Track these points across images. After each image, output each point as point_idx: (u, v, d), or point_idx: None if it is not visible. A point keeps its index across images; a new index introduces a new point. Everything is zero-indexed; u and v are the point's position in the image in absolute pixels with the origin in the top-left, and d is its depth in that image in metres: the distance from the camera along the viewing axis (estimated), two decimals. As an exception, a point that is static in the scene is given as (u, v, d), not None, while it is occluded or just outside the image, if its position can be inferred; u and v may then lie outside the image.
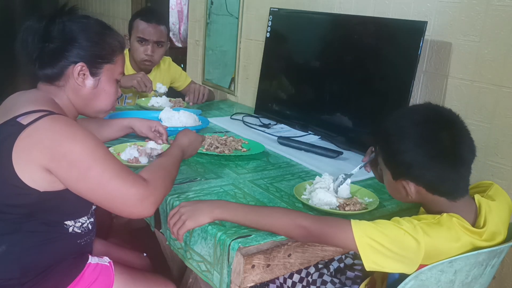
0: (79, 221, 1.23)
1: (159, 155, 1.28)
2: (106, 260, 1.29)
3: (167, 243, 1.27)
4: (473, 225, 1.07)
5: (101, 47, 1.23)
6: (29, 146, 1.07)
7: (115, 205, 1.11)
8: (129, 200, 1.09)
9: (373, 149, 1.29)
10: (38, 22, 1.19)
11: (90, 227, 1.27)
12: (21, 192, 1.09)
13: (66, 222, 1.20)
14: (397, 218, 1.05)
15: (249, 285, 1.05)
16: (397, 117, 1.15)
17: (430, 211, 1.12)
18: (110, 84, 1.28)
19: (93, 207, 1.27)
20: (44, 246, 1.17)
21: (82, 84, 1.23)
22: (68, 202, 1.15)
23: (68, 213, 1.20)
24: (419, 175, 1.07)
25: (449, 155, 1.05)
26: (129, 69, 2.44)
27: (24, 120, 1.09)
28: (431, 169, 1.06)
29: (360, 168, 1.34)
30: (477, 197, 1.12)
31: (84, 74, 1.22)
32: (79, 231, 1.23)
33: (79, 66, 1.20)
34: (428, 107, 1.15)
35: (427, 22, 1.62)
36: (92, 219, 1.28)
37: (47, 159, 1.06)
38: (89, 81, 1.24)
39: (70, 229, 1.21)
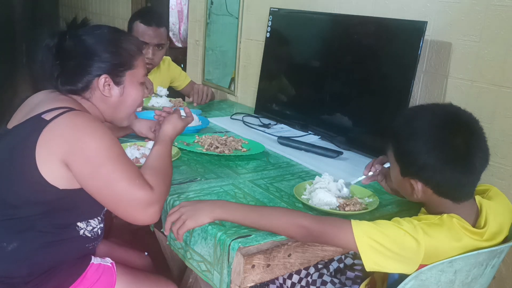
0: (90, 225, 1.24)
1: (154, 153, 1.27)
2: (108, 261, 1.30)
3: (167, 243, 1.27)
4: (474, 225, 1.07)
5: (120, 56, 1.24)
6: (51, 140, 1.09)
7: (120, 208, 1.12)
8: (134, 205, 1.10)
9: (373, 165, 1.29)
10: (53, 40, 1.19)
11: (99, 233, 1.28)
12: (42, 189, 1.10)
13: (78, 224, 1.21)
14: (398, 218, 1.05)
15: (249, 285, 1.05)
16: (414, 115, 1.12)
17: (431, 211, 1.12)
18: (135, 89, 1.29)
19: (105, 209, 1.28)
20: (53, 247, 1.17)
21: (108, 94, 1.24)
22: (82, 202, 1.16)
23: (82, 213, 1.21)
24: (428, 177, 1.07)
25: (462, 162, 1.04)
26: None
27: (47, 116, 1.12)
28: (441, 173, 1.05)
29: (360, 179, 1.34)
30: (478, 198, 1.12)
31: (109, 85, 1.23)
32: (89, 235, 1.24)
33: (103, 78, 1.22)
34: (448, 110, 1.11)
35: (427, 22, 1.62)
36: (102, 225, 1.29)
37: (66, 152, 1.08)
38: (115, 90, 1.25)
39: (81, 232, 1.22)
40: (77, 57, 1.20)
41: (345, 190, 1.35)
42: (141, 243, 1.70)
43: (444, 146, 1.04)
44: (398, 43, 1.73)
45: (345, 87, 1.94)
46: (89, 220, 1.23)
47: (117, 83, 1.25)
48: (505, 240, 1.11)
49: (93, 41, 1.21)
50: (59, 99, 1.19)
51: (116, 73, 1.24)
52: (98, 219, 1.26)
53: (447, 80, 1.68)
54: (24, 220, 1.13)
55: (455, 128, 1.05)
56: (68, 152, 1.08)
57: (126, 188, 1.09)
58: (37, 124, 1.12)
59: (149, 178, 1.14)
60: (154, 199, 1.10)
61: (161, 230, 1.29)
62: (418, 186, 1.09)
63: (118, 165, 1.10)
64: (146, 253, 1.60)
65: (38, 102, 1.20)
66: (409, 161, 1.09)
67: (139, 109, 1.51)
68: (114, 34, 1.27)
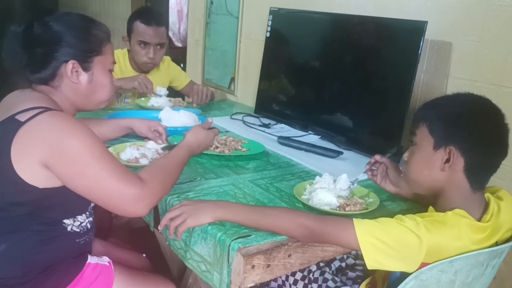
0: (77, 220, 1.23)
1: (165, 155, 1.28)
2: (105, 260, 1.30)
3: (167, 243, 1.27)
4: (480, 220, 1.08)
5: (88, 41, 1.24)
6: (29, 142, 1.08)
7: (110, 204, 1.11)
8: (124, 199, 1.09)
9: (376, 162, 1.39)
10: (20, 27, 1.18)
11: (89, 227, 1.27)
12: (21, 189, 1.09)
13: (64, 221, 1.20)
14: (400, 215, 1.05)
15: (249, 285, 1.05)
16: (451, 96, 1.18)
17: (443, 204, 1.12)
18: (104, 75, 1.29)
19: (92, 204, 1.27)
20: (44, 246, 1.17)
21: (77, 81, 1.23)
22: (66, 199, 1.15)
23: (66, 210, 1.20)
24: (470, 142, 1.08)
25: (499, 143, 1.10)
26: (129, 70, 2.43)
27: (22, 117, 1.10)
28: (480, 146, 1.08)
29: (364, 172, 1.40)
30: (487, 194, 1.13)
31: (77, 71, 1.23)
32: (78, 230, 1.23)
33: (70, 64, 1.21)
34: (488, 101, 1.15)
35: (427, 22, 1.61)
36: (91, 218, 1.28)
37: (46, 154, 1.07)
38: (83, 77, 1.24)
39: (69, 228, 1.21)
40: (44, 44, 1.19)
41: (347, 189, 1.35)
42: (140, 243, 1.70)
43: (488, 125, 1.09)
44: (398, 43, 1.73)
45: (345, 87, 1.94)
46: (76, 216, 1.23)
47: (86, 69, 1.24)
48: (505, 240, 1.11)
49: (60, 27, 1.20)
50: (32, 98, 1.17)
51: (85, 59, 1.23)
52: (86, 214, 1.26)
53: (447, 80, 1.68)
54: (11, 221, 1.13)
55: (495, 112, 1.11)
56: (49, 154, 1.07)
57: (115, 185, 1.08)
58: (11, 125, 1.10)
59: (143, 174, 1.14)
60: (144, 193, 1.09)
61: (161, 230, 1.29)
62: (455, 153, 1.08)
63: (103, 163, 1.09)
64: (144, 255, 1.60)
65: (12, 103, 1.18)
66: (452, 124, 1.10)
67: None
68: (82, 21, 1.26)
